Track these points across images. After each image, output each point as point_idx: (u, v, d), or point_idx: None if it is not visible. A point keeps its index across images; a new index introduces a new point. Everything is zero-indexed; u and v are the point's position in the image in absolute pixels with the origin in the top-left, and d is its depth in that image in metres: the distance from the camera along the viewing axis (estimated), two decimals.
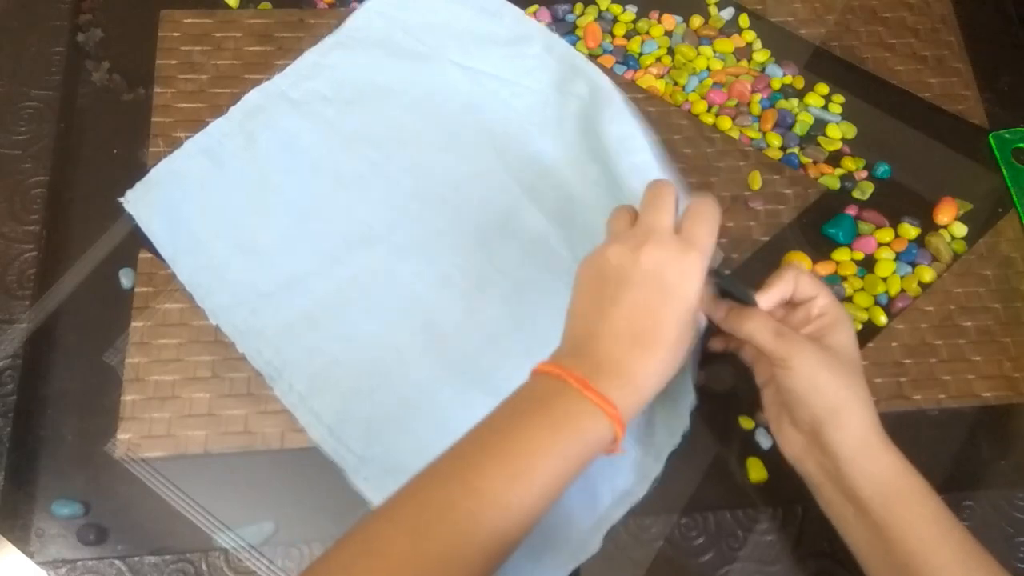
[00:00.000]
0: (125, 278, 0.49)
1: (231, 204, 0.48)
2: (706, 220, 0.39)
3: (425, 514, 0.33)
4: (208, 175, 0.49)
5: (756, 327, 0.38)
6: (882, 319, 0.50)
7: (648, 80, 0.57)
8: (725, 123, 0.56)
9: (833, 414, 0.38)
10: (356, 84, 0.51)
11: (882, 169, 0.55)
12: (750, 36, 0.59)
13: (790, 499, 0.45)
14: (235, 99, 0.54)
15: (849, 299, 0.51)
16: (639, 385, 0.36)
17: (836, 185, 0.54)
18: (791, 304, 0.41)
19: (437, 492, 0.34)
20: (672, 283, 0.37)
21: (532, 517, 0.34)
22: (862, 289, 0.51)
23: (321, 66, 0.52)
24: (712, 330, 0.42)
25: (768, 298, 0.40)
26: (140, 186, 0.49)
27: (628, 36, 0.59)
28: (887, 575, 0.38)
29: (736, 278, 0.41)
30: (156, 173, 0.49)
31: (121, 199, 0.49)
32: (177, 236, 0.48)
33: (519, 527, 0.34)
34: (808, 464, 0.40)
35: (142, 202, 0.48)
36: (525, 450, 0.34)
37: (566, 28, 0.58)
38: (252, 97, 0.52)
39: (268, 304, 0.46)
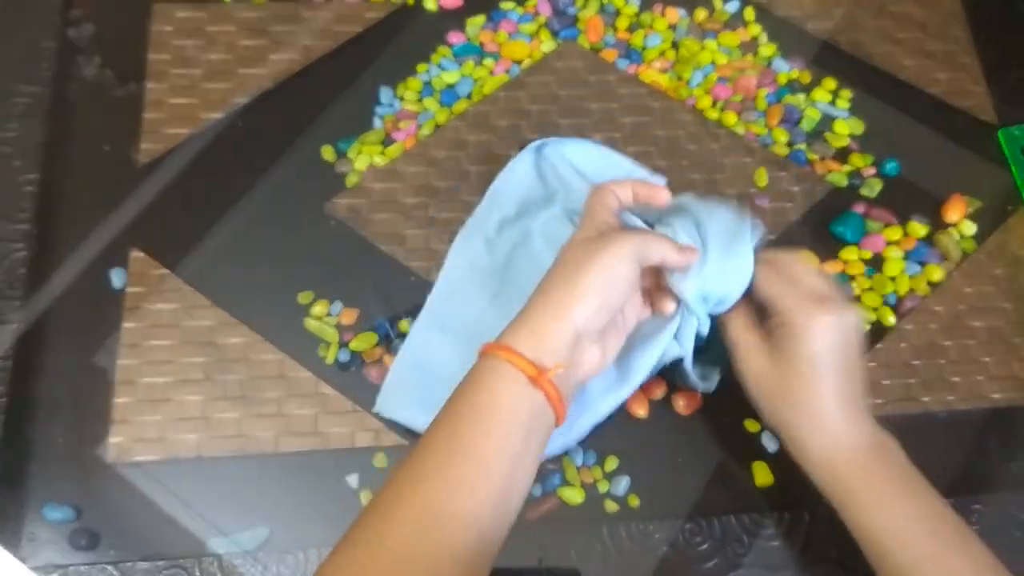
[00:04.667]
0: (116, 278, 0.48)
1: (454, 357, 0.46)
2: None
3: (391, 511, 0.34)
4: (437, 346, 0.47)
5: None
6: (891, 319, 0.50)
7: (651, 74, 0.56)
8: (730, 119, 0.55)
9: (800, 427, 0.39)
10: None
11: (890, 166, 0.54)
12: (756, 30, 0.58)
13: (797, 504, 0.45)
14: (228, 94, 0.53)
15: (857, 299, 0.50)
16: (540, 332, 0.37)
17: (844, 182, 0.53)
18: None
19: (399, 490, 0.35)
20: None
21: (499, 477, 0.34)
22: (870, 289, 0.50)
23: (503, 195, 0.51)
24: None
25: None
26: (385, 391, 0.46)
27: (631, 29, 0.58)
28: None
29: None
30: (395, 373, 0.46)
31: (375, 410, 0.46)
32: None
33: (487, 494, 0.34)
34: None
35: (395, 404, 0.45)
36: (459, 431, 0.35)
37: (567, 21, 0.58)
38: (455, 248, 0.49)
39: None
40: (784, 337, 0.39)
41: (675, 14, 0.58)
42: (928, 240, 0.52)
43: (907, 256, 0.51)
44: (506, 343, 0.36)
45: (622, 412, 0.46)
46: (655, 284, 0.42)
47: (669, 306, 0.41)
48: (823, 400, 0.38)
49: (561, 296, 0.37)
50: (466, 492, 0.34)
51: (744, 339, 0.41)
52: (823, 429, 0.39)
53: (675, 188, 0.51)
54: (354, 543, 0.33)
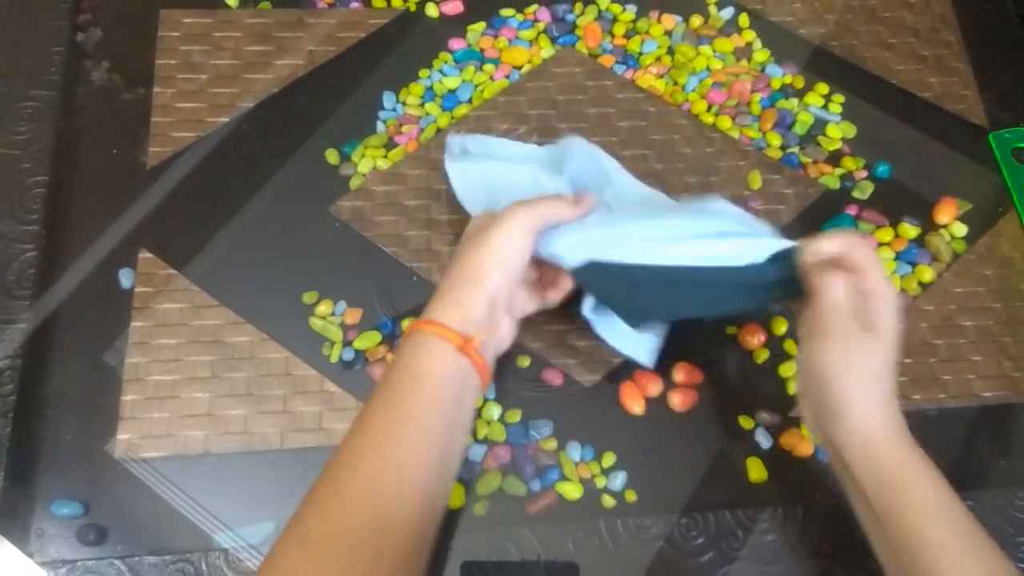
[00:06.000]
0: (125, 278, 0.49)
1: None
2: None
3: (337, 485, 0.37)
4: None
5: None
6: None
7: (648, 80, 0.57)
8: (725, 123, 0.56)
9: (834, 409, 0.38)
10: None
11: (882, 169, 0.55)
12: (750, 36, 0.59)
13: (790, 499, 0.45)
14: (234, 99, 0.54)
15: None
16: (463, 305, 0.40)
17: (836, 185, 0.54)
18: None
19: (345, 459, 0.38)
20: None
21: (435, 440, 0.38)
22: None
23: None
24: None
25: (812, 251, 0.40)
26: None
27: (628, 36, 0.59)
28: (889, 556, 0.37)
29: None
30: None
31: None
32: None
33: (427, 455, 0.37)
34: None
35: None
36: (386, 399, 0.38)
37: (566, 28, 0.59)
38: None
39: None
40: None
41: (671, 20, 0.59)
42: (919, 241, 0.53)
43: (898, 257, 0.52)
44: (434, 318, 0.39)
45: (619, 409, 0.47)
46: (542, 278, 0.45)
47: (553, 296, 0.44)
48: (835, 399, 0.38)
49: (474, 267, 0.40)
50: (411, 459, 0.37)
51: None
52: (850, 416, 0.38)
53: (671, 190, 0.52)
54: (306, 519, 0.36)
